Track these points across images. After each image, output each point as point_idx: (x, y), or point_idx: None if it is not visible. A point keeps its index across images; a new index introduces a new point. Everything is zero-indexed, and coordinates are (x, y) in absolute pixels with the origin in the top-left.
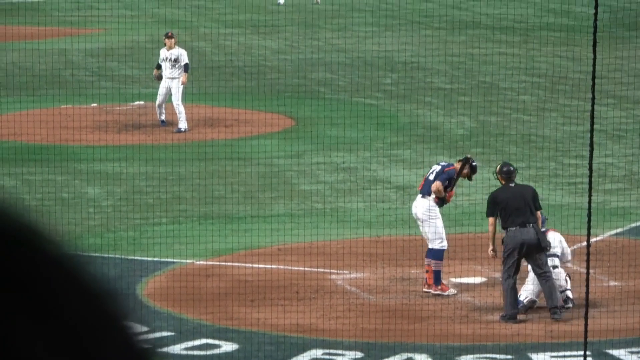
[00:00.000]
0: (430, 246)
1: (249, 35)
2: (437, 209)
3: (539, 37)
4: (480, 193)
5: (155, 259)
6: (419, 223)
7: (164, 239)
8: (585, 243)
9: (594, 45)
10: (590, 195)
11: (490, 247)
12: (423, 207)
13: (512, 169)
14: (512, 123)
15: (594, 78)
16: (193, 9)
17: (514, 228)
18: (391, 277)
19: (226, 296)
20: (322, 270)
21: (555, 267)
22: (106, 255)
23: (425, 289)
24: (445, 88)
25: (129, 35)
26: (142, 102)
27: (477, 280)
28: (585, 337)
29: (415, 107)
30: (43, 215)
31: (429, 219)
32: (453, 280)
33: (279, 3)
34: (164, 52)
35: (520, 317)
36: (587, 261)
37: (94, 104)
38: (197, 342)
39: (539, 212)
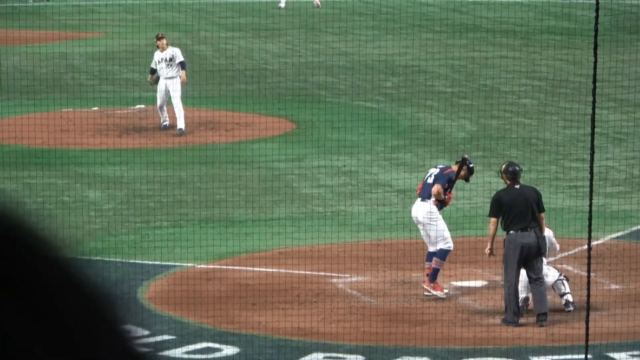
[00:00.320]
0: (431, 249)
1: (250, 38)
2: (437, 211)
3: (540, 40)
4: (482, 196)
5: (156, 262)
6: (420, 227)
7: (165, 242)
8: (586, 246)
9: (595, 49)
10: (591, 199)
11: (488, 247)
12: (423, 210)
13: (517, 169)
14: (513, 126)
15: (594, 81)
16: (194, 12)
17: (514, 232)
18: (392, 280)
19: (227, 300)
20: (323, 273)
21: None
22: (107, 259)
23: (426, 293)
24: (446, 91)
25: (130, 38)
26: (143, 106)
27: (478, 283)
28: (587, 340)
29: (416, 110)
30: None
31: (430, 221)
32: (454, 283)
33: (280, 7)
34: (158, 55)
35: (521, 320)
36: (588, 264)
37: (95, 108)
38: (198, 346)
39: (542, 214)
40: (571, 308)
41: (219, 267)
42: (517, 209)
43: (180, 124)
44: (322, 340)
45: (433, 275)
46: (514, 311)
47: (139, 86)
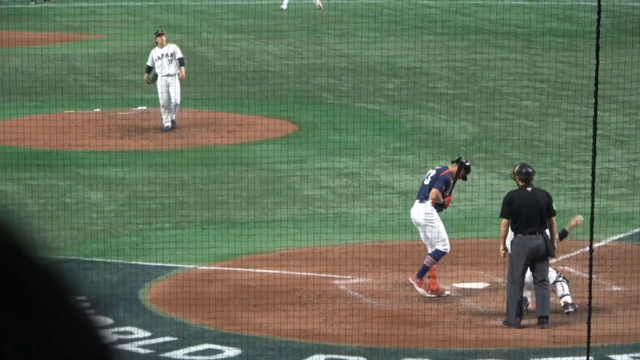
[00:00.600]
0: (430, 251)
1: (252, 40)
2: (435, 212)
3: (542, 42)
4: (483, 198)
5: (158, 264)
6: (420, 229)
7: (166, 244)
8: (587, 248)
9: (597, 51)
10: (592, 201)
11: (502, 247)
12: (421, 212)
13: (530, 170)
14: (515, 128)
15: (596, 83)
16: (196, 14)
17: (522, 235)
18: (394, 282)
19: (229, 301)
20: (324, 275)
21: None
22: (109, 260)
23: (428, 295)
24: (448, 93)
25: (131, 40)
26: (144, 107)
27: (480, 285)
28: (588, 342)
29: (417, 112)
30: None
31: (428, 223)
32: (456, 285)
33: (282, 9)
34: (157, 51)
35: (523, 322)
36: (590, 266)
37: (97, 109)
38: (199, 347)
39: (553, 218)
40: (571, 309)
41: (220, 268)
42: (528, 212)
43: (174, 117)
44: (324, 342)
45: (421, 272)
46: (516, 312)
47: (140, 88)
